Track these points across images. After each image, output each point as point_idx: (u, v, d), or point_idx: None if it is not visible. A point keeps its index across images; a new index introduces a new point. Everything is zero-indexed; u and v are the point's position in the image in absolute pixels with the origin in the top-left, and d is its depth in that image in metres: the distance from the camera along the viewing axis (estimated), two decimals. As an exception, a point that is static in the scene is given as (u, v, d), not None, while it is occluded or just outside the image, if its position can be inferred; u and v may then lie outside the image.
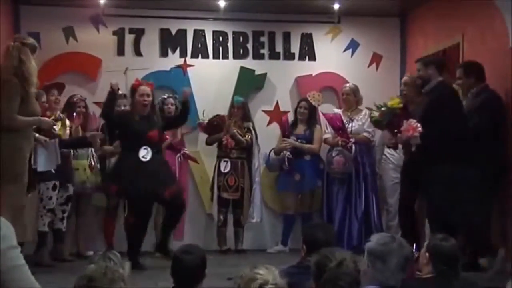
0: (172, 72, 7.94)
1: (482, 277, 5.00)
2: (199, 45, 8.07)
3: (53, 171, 6.07)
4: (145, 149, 6.20)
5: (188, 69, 7.99)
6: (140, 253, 6.29)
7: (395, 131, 6.21)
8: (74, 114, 6.67)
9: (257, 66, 8.11)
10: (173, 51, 8.05)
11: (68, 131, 6.63)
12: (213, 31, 8.09)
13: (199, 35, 8.06)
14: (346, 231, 7.23)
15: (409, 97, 6.41)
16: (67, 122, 6.63)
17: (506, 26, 5.99)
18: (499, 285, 4.64)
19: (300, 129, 7.63)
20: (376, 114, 6.35)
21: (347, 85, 7.61)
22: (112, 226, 7.36)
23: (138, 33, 7.98)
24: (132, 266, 5.54)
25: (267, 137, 7.79)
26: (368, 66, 8.28)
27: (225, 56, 8.12)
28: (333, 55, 8.26)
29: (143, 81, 6.68)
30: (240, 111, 7.52)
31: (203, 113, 7.62)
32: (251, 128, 7.57)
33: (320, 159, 7.59)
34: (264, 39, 8.19)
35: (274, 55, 8.20)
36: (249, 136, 7.49)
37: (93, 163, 6.92)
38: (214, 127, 7.52)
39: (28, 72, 5.12)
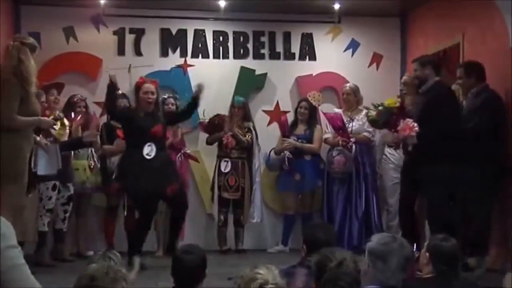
0: (173, 72, 7.94)
1: (471, 277, 4.99)
2: (200, 45, 8.07)
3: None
4: (149, 146, 6.18)
5: (189, 69, 7.99)
6: (141, 252, 6.29)
7: (392, 130, 6.24)
8: (73, 114, 6.66)
9: (258, 66, 8.11)
10: (174, 51, 8.05)
11: (68, 131, 6.62)
12: (214, 31, 8.10)
13: (199, 35, 8.07)
14: (347, 231, 7.22)
15: (409, 97, 6.42)
16: (66, 122, 6.61)
17: (506, 26, 6.00)
18: (487, 284, 4.67)
19: (300, 129, 7.63)
20: (373, 113, 6.37)
21: (348, 85, 7.61)
22: (112, 226, 7.36)
23: (139, 33, 7.98)
24: (128, 263, 5.64)
25: (267, 137, 7.78)
26: (369, 66, 8.28)
27: (226, 56, 8.12)
28: (334, 55, 8.26)
29: (147, 79, 6.68)
30: (241, 111, 7.52)
31: (204, 113, 7.61)
32: (252, 128, 7.57)
33: (320, 159, 7.59)
34: (264, 39, 8.19)
35: (274, 55, 8.21)
36: (250, 136, 7.49)
37: (93, 163, 6.92)
38: (214, 126, 7.52)
39: (27, 72, 5.11)
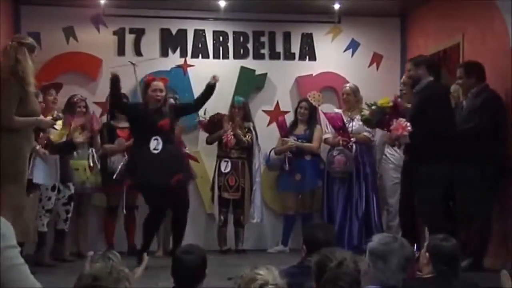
0: (173, 72, 7.93)
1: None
2: (200, 45, 8.07)
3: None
4: (155, 139, 6.19)
5: (189, 69, 7.99)
6: (147, 250, 6.27)
7: (385, 129, 6.27)
8: (73, 114, 6.67)
9: (258, 66, 8.11)
10: (174, 51, 8.05)
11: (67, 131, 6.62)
12: (214, 31, 8.10)
13: (199, 35, 8.07)
14: (347, 231, 7.22)
15: (409, 97, 6.42)
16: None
17: (506, 26, 6.00)
18: (487, 284, 4.66)
19: (300, 129, 7.64)
20: (366, 112, 6.40)
21: (347, 85, 7.61)
22: (112, 226, 7.37)
23: (139, 33, 7.98)
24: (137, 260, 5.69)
25: (267, 137, 7.78)
26: (369, 66, 8.28)
27: (226, 56, 8.12)
28: (334, 55, 8.26)
29: (156, 77, 6.69)
30: (241, 111, 7.52)
31: (204, 112, 7.60)
32: (252, 128, 7.57)
33: (320, 159, 7.59)
34: (264, 39, 8.19)
35: (274, 55, 8.21)
36: (250, 136, 7.50)
37: (92, 164, 6.92)
38: (215, 125, 7.51)
39: (24, 72, 5.11)
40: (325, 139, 7.56)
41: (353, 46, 8.27)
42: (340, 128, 7.32)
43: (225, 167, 7.42)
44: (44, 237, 6.42)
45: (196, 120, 7.64)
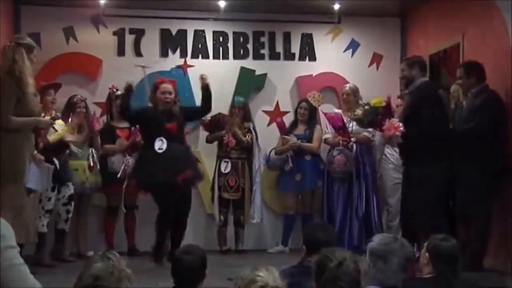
0: (173, 72, 7.93)
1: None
2: (199, 46, 8.07)
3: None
4: (159, 140, 6.21)
5: (189, 69, 7.99)
6: (162, 250, 6.27)
7: (378, 129, 6.30)
8: (72, 114, 6.67)
9: (257, 66, 8.11)
10: (174, 52, 8.05)
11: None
12: (213, 32, 8.10)
13: (199, 35, 8.07)
14: (347, 231, 7.22)
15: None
16: (61, 122, 6.58)
17: (506, 26, 6.00)
18: (487, 284, 4.67)
19: (300, 129, 7.64)
20: (359, 112, 6.42)
21: (347, 85, 7.60)
22: (113, 226, 7.36)
23: (139, 34, 7.98)
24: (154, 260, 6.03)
25: (267, 137, 7.78)
26: (369, 66, 8.29)
27: (225, 57, 8.12)
28: (334, 55, 8.26)
29: (165, 79, 6.71)
30: (241, 112, 7.52)
31: (205, 112, 7.61)
32: (252, 128, 7.57)
33: (320, 159, 7.59)
34: (264, 39, 8.19)
35: (274, 55, 8.21)
36: (250, 137, 7.49)
37: (92, 164, 6.91)
38: (216, 124, 7.51)
39: (20, 72, 5.11)
40: (325, 139, 7.56)
41: (353, 46, 8.27)
42: (340, 128, 7.32)
43: (225, 167, 7.42)
44: (44, 237, 6.41)
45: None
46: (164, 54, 8.03)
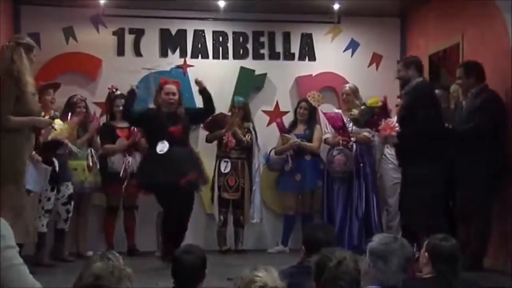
0: (172, 72, 7.93)
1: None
2: (199, 45, 8.07)
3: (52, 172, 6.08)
4: (162, 142, 6.21)
5: (188, 69, 7.98)
6: (170, 249, 6.23)
7: (373, 129, 6.31)
8: (71, 114, 6.67)
9: (257, 66, 8.11)
10: (173, 52, 8.05)
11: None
12: (213, 31, 8.10)
13: (199, 35, 8.06)
14: (347, 231, 7.22)
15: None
16: (60, 122, 6.57)
17: (506, 26, 6.00)
18: (487, 284, 4.67)
19: (300, 129, 7.63)
20: (355, 112, 6.42)
21: (347, 85, 7.60)
22: (112, 226, 7.36)
23: (138, 33, 7.98)
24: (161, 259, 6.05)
25: (267, 137, 7.79)
26: (368, 66, 8.29)
27: (225, 56, 8.12)
28: (333, 55, 8.26)
29: (169, 80, 6.72)
30: (241, 112, 7.52)
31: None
32: (251, 128, 7.57)
33: (320, 159, 7.59)
34: (264, 39, 8.19)
35: (274, 55, 8.20)
36: (249, 137, 7.49)
37: (91, 164, 6.90)
38: (216, 124, 7.50)
39: (18, 72, 5.11)
40: (325, 139, 7.56)
41: (353, 46, 8.27)
42: (340, 128, 7.32)
43: (225, 167, 7.42)
44: (44, 237, 6.41)
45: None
46: (163, 54, 8.02)
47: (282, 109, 8.13)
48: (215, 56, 8.10)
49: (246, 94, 7.87)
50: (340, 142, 7.29)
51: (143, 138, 7.16)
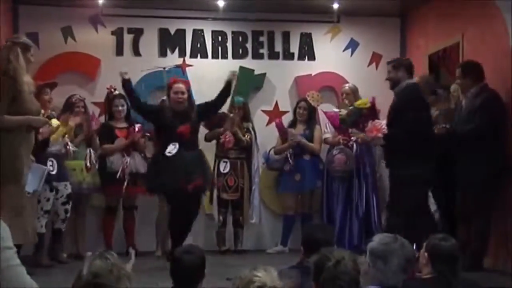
0: (172, 71, 7.91)
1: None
2: (198, 45, 8.06)
3: (50, 173, 6.06)
4: (173, 144, 6.22)
5: (187, 69, 7.97)
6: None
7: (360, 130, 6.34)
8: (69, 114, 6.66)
9: (256, 66, 8.10)
10: (172, 51, 8.03)
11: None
12: (212, 31, 8.08)
13: (198, 35, 8.05)
14: (347, 231, 7.21)
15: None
16: (57, 122, 6.55)
17: (506, 26, 5.99)
18: (487, 284, 4.66)
19: (299, 128, 7.62)
20: (344, 112, 6.43)
21: (347, 85, 7.59)
22: (112, 227, 7.34)
23: (137, 33, 7.96)
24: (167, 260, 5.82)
25: (266, 137, 7.78)
26: (368, 65, 8.27)
27: (224, 56, 8.11)
28: (333, 54, 8.25)
29: (178, 79, 6.72)
30: (241, 111, 7.52)
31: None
32: (251, 128, 7.57)
33: (320, 159, 7.58)
34: (263, 38, 8.18)
35: (273, 55, 8.19)
36: (249, 136, 7.48)
37: (90, 164, 6.88)
38: (216, 123, 7.48)
39: (14, 72, 5.10)
40: (325, 138, 7.55)
41: (352, 45, 8.26)
42: (340, 127, 7.31)
43: (224, 167, 7.41)
44: (42, 238, 6.40)
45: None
46: (162, 53, 8.01)
47: (281, 109, 8.12)
48: (214, 55, 8.09)
49: (245, 94, 7.86)
50: (341, 141, 7.29)
51: (143, 138, 7.17)
